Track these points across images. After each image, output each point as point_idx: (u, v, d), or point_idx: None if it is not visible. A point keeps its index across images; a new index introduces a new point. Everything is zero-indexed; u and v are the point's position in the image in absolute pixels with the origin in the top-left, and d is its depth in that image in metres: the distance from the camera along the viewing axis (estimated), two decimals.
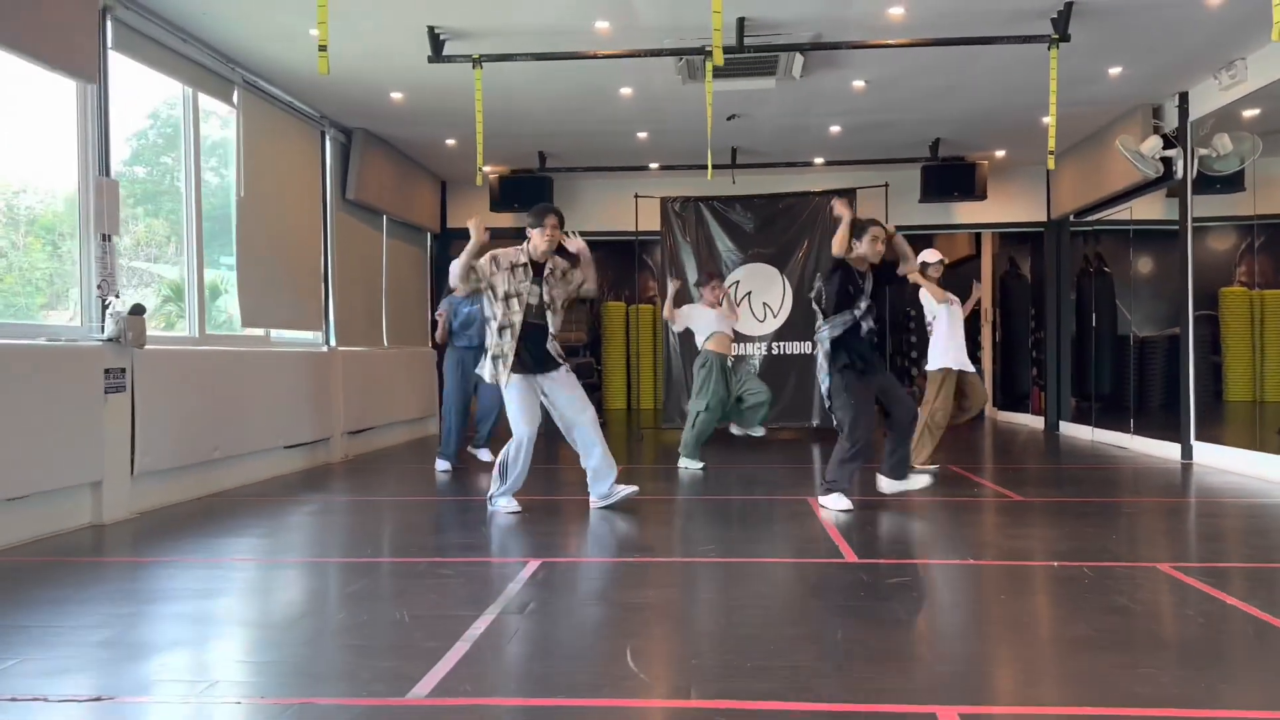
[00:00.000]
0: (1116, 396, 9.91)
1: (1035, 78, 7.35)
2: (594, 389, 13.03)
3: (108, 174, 5.50)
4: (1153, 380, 9.82)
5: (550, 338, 5.57)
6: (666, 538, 4.96)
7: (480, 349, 7.77)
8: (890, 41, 6.16)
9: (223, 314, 7.26)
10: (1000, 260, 13.13)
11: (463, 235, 11.17)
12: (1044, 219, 10.86)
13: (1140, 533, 5.03)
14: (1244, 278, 11.35)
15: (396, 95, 7.67)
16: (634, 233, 10.35)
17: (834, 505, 5.52)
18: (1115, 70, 7.20)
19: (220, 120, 7.10)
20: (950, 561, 4.26)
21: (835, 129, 8.88)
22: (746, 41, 6.14)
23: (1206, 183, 8.36)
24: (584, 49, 6.34)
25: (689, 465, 7.58)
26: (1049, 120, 6.16)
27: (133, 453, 5.57)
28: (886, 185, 10.27)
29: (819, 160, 10.09)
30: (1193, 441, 7.88)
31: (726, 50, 6.18)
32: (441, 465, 7.66)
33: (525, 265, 5.53)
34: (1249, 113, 7.41)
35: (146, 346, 5.60)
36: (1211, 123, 7.68)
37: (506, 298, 5.44)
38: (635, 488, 5.77)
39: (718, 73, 6.92)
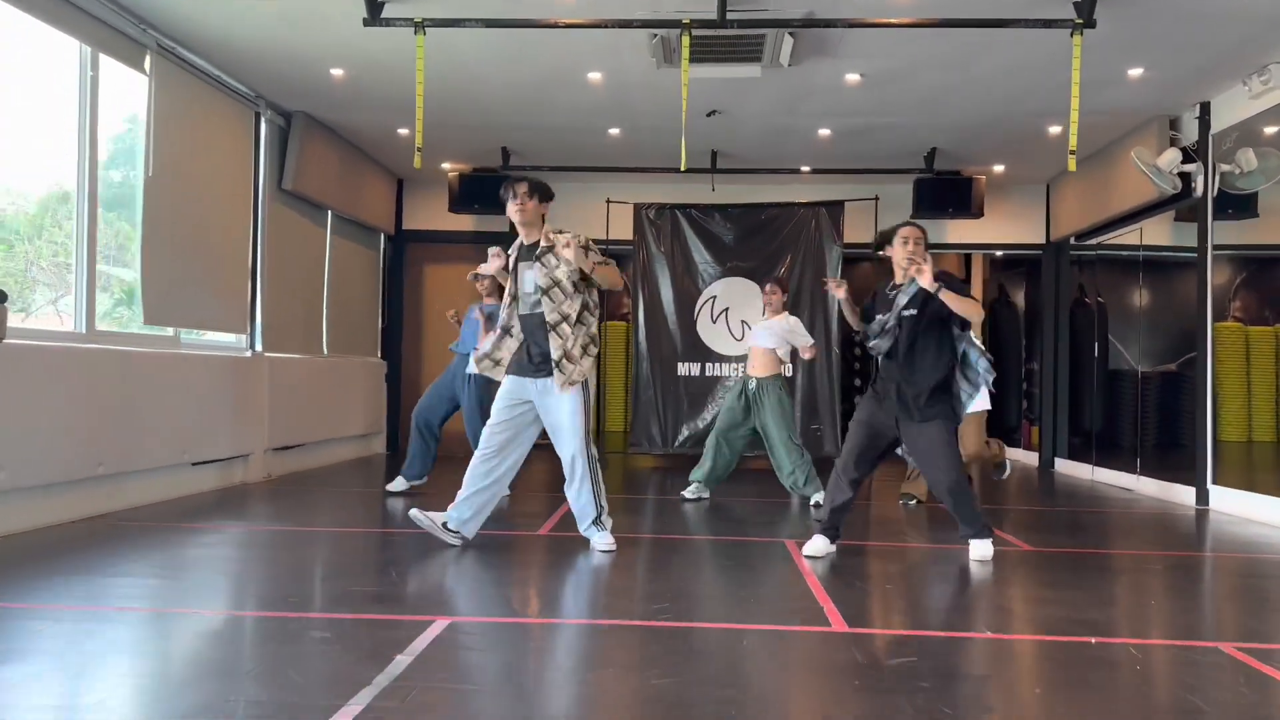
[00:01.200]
0: (1118, 434, 9.16)
1: (1047, 79, 6.64)
2: None
3: None
4: (1158, 418, 9.10)
5: (553, 332, 4.62)
6: (619, 590, 4.11)
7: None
8: (892, 20, 5.40)
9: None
10: (990, 287, 12.41)
11: (422, 238, 10.43)
12: (1042, 241, 10.14)
13: (1182, 599, 4.23)
14: (1239, 313, 10.73)
15: (337, 72, 6.83)
16: (605, 241, 9.52)
17: None
18: (1135, 72, 6.48)
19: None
20: (963, 634, 3.43)
21: (825, 132, 8.11)
22: (730, 16, 5.36)
23: (1217, 207, 7.66)
24: (544, 17, 5.53)
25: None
26: (1061, 129, 5.41)
27: None
28: (877, 199, 9.52)
29: (805, 168, 9.32)
30: (1209, 486, 7.11)
31: (707, 24, 5.42)
32: (399, 484, 6.86)
33: (518, 248, 4.85)
34: (1270, 129, 6.73)
35: (8, 341, 4.71)
36: (1235, 136, 6.98)
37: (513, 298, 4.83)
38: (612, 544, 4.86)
39: (696, 57, 6.14)
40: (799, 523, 6.01)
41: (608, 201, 9.47)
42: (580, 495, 4.80)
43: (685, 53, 5.42)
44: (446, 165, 9.59)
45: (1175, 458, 8.28)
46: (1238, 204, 7.31)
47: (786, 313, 6.94)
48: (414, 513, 4.86)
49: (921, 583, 4.37)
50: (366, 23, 5.48)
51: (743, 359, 9.30)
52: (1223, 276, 9.88)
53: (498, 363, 4.81)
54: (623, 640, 3.26)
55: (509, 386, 4.78)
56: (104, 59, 5.72)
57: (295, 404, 8.00)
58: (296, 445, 8.11)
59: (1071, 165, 5.45)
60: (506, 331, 4.80)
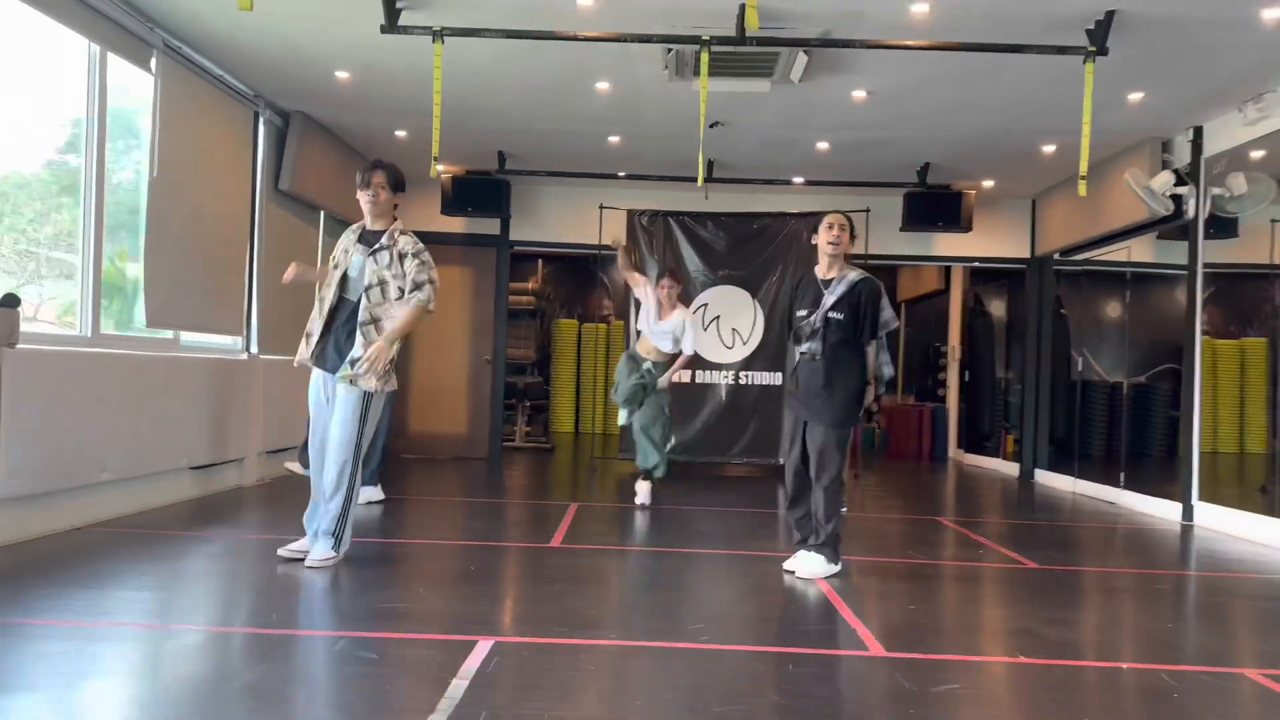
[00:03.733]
0: (1097, 446, 9.37)
1: (1050, 100, 6.76)
2: (541, 410, 12.17)
3: None
4: (1133, 430, 9.32)
5: (360, 330, 4.48)
6: (647, 609, 4.13)
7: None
8: (909, 43, 5.46)
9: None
10: (968, 297, 12.60)
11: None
12: (1026, 255, 10.30)
13: (1196, 621, 4.34)
14: (1206, 327, 11.00)
15: (342, 75, 6.78)
16: (597, 246, 9.54)
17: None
18: (1136, 96, 6.61)
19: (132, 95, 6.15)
20: (994, 659, 3.50)
21: (823, 145, 8.19)
22: (749, 33, 5.39)
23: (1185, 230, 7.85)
24: (563, 29, 5.53)
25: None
26: (1055, 148, 5.51)
27: None
28: (868, 210, 9.58)
29: (798, 180, 9.39)
30: (1194, 502, 7.28)
31: (726, 41, 5.45)
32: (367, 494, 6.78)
33: (359, 231, 4.72)
34: (1257, 153, 6.91)
35: (20, 346, 4.63)
36: (1225, 161, 7.16)
37: (335, 265, 4.67)
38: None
39: (709, 70, 6.18)
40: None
41: (601, 207, 9.46)
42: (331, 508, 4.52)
43: (704, 69, 5.45)
44: (440, 167, 9.53)
45: (1153, 470, 8.49)
46: (1220, 225, 7.50)
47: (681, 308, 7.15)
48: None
49: (940, 602, 4.44)
50: (384, 30, 5.44)
51: (734, 366, 9.40)
52: (1164, 298, 10.15)
53: (308, 336, 4.64)
54: (671, 663, 3.29)
55: (315, 381, 4.62)
56: (112, 58, 5.63)
57: (287, 406, 7.92)
58: (285, 449, 8.03)
59: (1082, 190, 5.55)
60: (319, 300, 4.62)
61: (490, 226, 10.15)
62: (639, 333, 7.36)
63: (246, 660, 3.16)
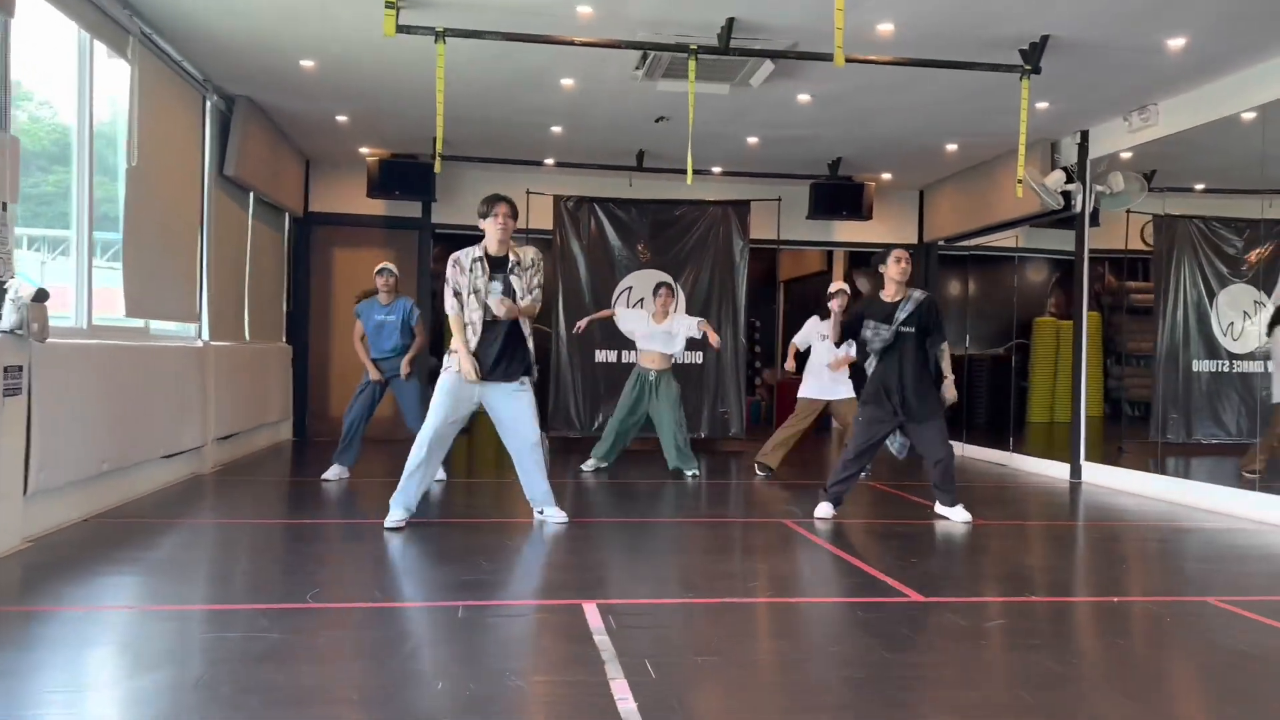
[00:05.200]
0: (979, 413, 10.41)
1: (964, 106, 7.54)
2: None
3: (6, 129, 4.51)
4: (992, 397, 10.47)
5: (519, 340, 5.34)
6: (702, 569, 4.60)
7: (397, 355, 7.12)
8: (873, 58, 6.05)
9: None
10: (852, 280, 13.52)
11: (332, 221, 10.32)
12: (915, 241, 11.22)
13: (1144, 562, 5.14)
14: (1053, 309, 12.30)
15: (307, 63, 6.84)
16: (525, 231, 9.80)
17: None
18: (1043, 105, 7.46)
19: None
20: (1013, 599, 4.15)
21: (753, 140, 8.76)
22: (732, 44, 5.86)
23: (1064, 219, 8.87)
24: (559, 33, 5.84)
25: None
26: (957, 147, 6.24)
27: (26, 468, 4.60)
28: (779, 199, 10.27)
29: (716, 169, 9.94)
30: (1082, 461, 8.29)
31: (710, 51, 5.90)
32: (333, 472, 6.98)
33: (481, 259, 5.25)
34: (1126, 155, 7.92)
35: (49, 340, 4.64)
36: (1106, 162, 8.14)
37: (468, 295, 5.24)
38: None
39: (673, 73, 6.62)
40: (773, 501, 6.65)
41: (528, 192, 9.74)
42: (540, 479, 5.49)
43: (691, 74, 5.88)
44: (365, 150, 9.58)
45: (1011, 433, 9.59)
46: (1076, 218, 8.51)
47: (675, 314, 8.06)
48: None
49: (934, 553, 5.09)
50: (387, 32, 5.60)
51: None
52: (1039, 275, 11.36)
53: (453, 353, 5.31)
54: (754, 615, 3.77)
55: (453, 382, 5.27)
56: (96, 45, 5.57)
57: (233, 391, 7.91)
58: (233, 434, 8.03)
59: (1019, 193, 6.31)
60: (465, 325, 5.24)
61: (413, 210, 10.26)
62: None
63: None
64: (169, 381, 6.44)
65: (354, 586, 4.06)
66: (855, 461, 5.84)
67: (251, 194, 8.74)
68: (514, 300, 5.21)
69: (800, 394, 8.18)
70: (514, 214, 5.32)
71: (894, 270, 5.77)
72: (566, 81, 7.09)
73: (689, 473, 7.79)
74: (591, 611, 3.64)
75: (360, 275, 10.20)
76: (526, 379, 5.37)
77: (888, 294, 5.85)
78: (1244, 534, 5.80)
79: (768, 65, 6.38)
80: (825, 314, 8.01)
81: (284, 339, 10.13)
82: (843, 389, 7.93)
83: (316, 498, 6.47)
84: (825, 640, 3.49)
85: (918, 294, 5.81)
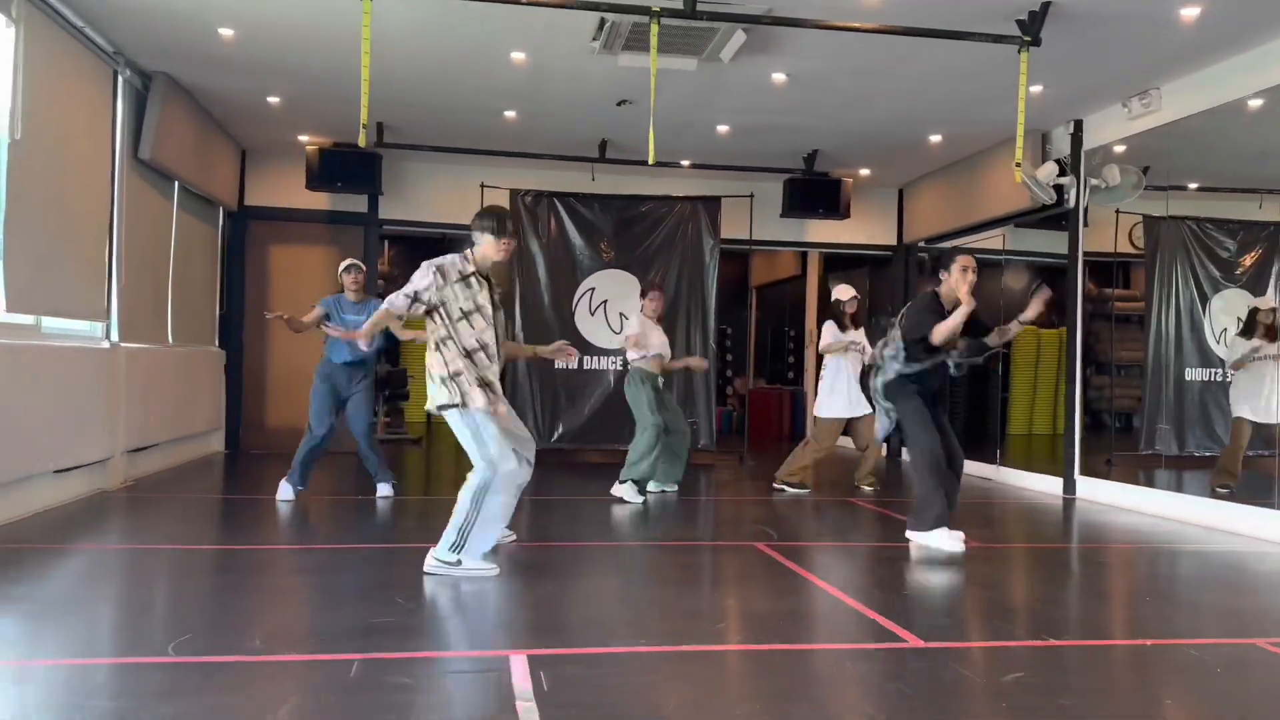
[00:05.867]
0: (958, 423, 9.82)
1: (951, 92, 6.99)
2: (402, 399, 11.55)
3: None
4: (970, 410, 9.91)
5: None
6: (667, 608, 3.91)
7: (360, 364, 6.36)
8: (854, 24, 5.42)
9: None
10: (825, 284, 12.91)
11: (269, 215, 9.57)
12: (894, 242, 10.62)
13: (1169, 594, 4.52)
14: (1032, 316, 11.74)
15: (226, 32, 6.11)
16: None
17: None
18: (1036, 89, 6.86)
19: None
20: (1030, 643, 3.49)
21: (723, 129, 8.11)
22: (700, 8, 5.20)
23: (1050, 218, 8.30)
24: None
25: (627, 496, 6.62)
26: (941, 138, 5.64)
27: None
28: (751, 196, 9.62)
29: (685, 163, 9.28)
30: (1076, 476, 7.68)
31: (675, 15, 5.24)
32: (285, 492, 6.17)
33: (475, 275, 4.33)
34: (1119, 149, 7.37)
35: None
36: (1101, 154, 7.57)
37: (466, 315, 4.24)
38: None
39: (634, 45, 5.97)
40: (745, 521, 5.99)
41: (483, 186, 9.05)
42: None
43: (654, 42, 5.22)
44: (304, 138, 8.85)
45: (996, 447, 8.99)
46: (1070, 214, 7.94)
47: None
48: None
49: (929, 582, 4.43)
50: None
51: (621, 352, 9.19)
52: (1019, 281, 10.78)
53: (488, 385, 4.29)
54: (722, 667, 3.09)
55: (506, 414, 4.37)
56: None
57: (150, 400, 7.15)
58: (149, 446, 7.25)
59: (1018, 176, 5.71)
60: (477, 350, 4.26)
61: (358, 204, 9.53)
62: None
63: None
64: (62, 386, 5.68)
65: (233, 632, 3.34)
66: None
67: (177, 183, 7.99)
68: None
69: (821, 413, 7.50)
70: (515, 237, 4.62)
71: (967, 280, 5.02)
72: (517, 55, 6.41)
73: (673, 487, 7.12)
74: (519, 667, 2.94)
75: (302, 276, 9.48)
76: None
77: (947, 299, 5.16)
78: (1271, 558, 5.18)
79: (739, 35, 5.73)
80: (841, 322, 7.51)
81: (216, 343, 9.35)
82: (864, 405, 7.36)
83: (235, 518, 5.73)
84: (810, 703, 2.81)
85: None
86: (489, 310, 4.29)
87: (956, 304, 5.04)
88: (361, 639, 3.22)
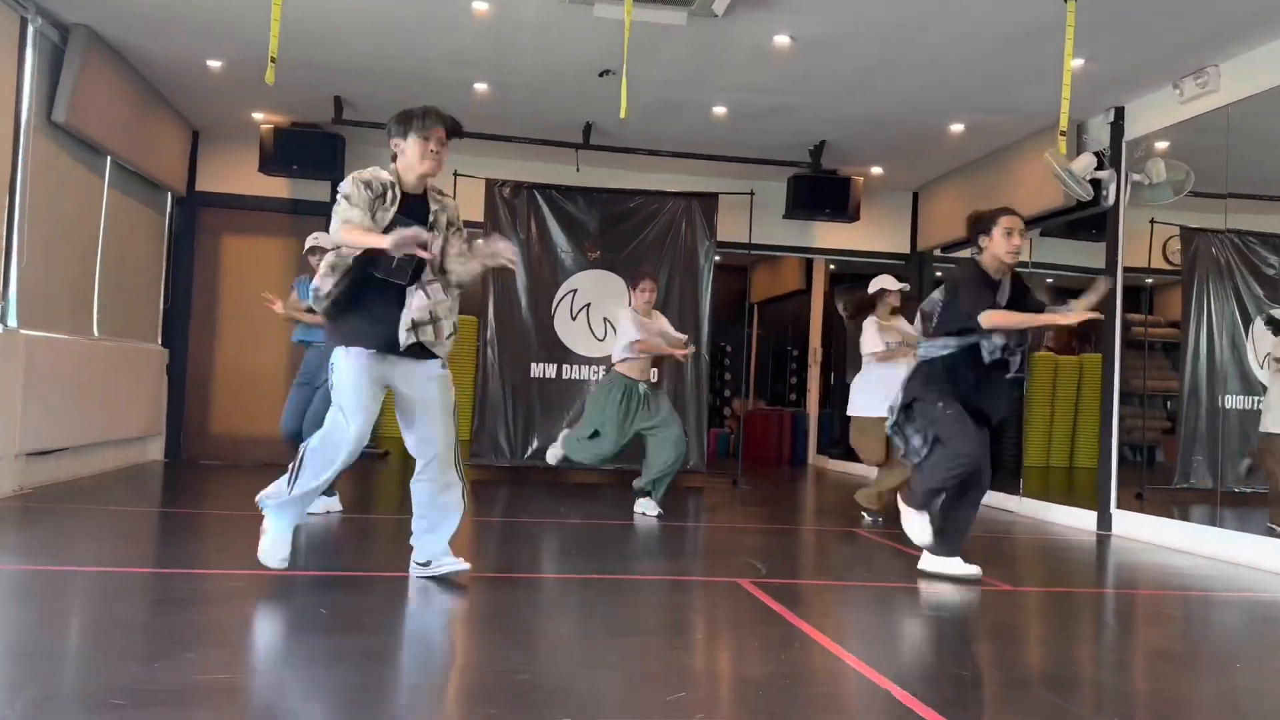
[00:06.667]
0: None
1: (977, 69, 6.19)
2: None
3: None
4: (995, 437, 8.92)
5: (423, 307, 3.59)
6: (610, 663, 2.99)
7: (310, 347, 5.61)
8: None
9: None
10: (833, 299, 12.00)
11: (222, 202, 8.72)
12: (907, 251, 9.75)
13: (1254, 664, 3.59)
14: (1050, 342, 10.83)
15: None
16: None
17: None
18: (1076, 63, 5.98)
19: None
20: None
21: (720, 110, 7.25)
22: None
23: (1079, 225, 7.47)
24: None
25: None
26: (963, 128, 4.79)
27: None
28: (752, 193, 8.76)
29: (676, 151, 8.39)
30: (1112, 510, 6.74)
31: None
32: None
33: (392, 187, 3.59)
34: (1161, 144, 6.53)
35: None
36: (1144, 145, 6.71)
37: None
38: (466, 565, 3.81)
39: None
40: (723, 555, 5.07)
41: (455, 174, 8.17)
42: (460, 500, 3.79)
43: None
44: (259, 115, 8.01)
45: (1018, 478, 8.06)
46: (1099, 223, 7.08)
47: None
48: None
49: (951, 638, 3.51)
50: None
51: (605, 360, 8.29)
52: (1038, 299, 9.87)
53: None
54: None
55: (361, 365, 3.59)
56: None
57: (58, 397, 6.25)
58: (56, 450, 6.35)
59: (1062, 148, 4.86)
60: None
61: (319, 190, 8.64)
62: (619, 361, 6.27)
63: None
64: None
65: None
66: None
67: (110, 159, 7.14)
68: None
69: (869, 411, 6.23)
70: (452, 135, 3.74)
71: (1009, 244, 4.28)
72: (479, 6, 5.55)
73: (656, 511, 6.21)
74: None
75: (257, 269, 8.62)
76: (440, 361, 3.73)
77: (991, 269, 4.36)
78: None
79: None
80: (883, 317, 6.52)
81: (159, 340, 8.47)
82: None
83: (127, 535, 4.83)
84: None
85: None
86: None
87: (1004, 273, 4.28)
88: (163, 703, 2.30)
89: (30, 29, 5.88)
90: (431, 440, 3.66)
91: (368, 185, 3.53)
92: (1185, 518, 6.49)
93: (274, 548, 3.62)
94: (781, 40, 5.82)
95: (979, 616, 3.84)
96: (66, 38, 6.18)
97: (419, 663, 2.96)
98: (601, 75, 6.50)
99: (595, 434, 6.19)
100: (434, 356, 3.65)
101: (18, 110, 5.84)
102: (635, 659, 3.03)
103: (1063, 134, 4.89)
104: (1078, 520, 6.99)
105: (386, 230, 3.44)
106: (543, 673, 2.85)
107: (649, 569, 4.75)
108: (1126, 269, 6.87)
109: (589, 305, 8.31)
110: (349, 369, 3.50)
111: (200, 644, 2.88)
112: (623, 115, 4.80)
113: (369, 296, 3.53)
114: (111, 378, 7.25)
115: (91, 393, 6.82)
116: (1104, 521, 6.75)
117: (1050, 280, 9.19)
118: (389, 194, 3.55)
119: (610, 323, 8.30)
